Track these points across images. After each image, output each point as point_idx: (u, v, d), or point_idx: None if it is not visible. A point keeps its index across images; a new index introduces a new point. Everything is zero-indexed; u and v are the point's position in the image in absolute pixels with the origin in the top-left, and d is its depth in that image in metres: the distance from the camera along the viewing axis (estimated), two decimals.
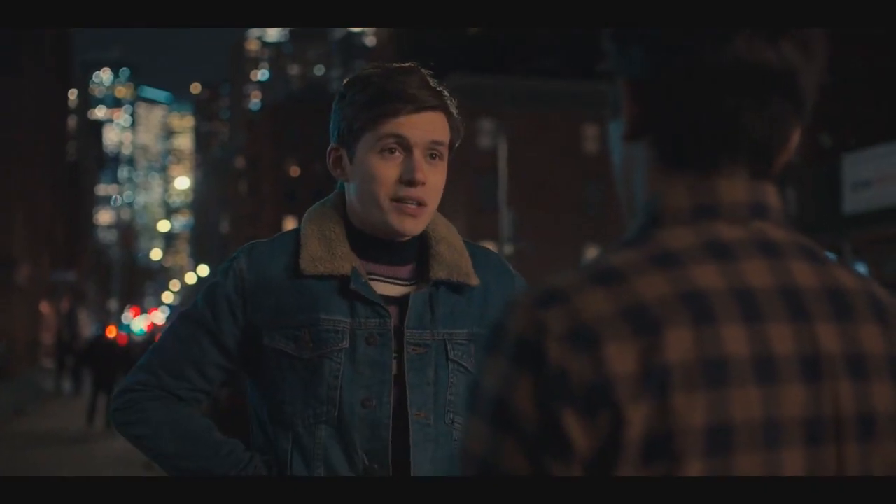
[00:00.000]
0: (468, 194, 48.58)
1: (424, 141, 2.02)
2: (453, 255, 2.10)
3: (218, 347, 2.07)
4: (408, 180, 2.00)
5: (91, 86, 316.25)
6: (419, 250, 2.11)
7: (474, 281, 2.09)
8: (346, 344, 2.00)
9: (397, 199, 2.01)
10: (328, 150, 2.12)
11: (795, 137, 1.09)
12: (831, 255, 1.11)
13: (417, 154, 2.02)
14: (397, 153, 2.02)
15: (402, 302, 2.06)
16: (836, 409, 1.01)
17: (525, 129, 49.54)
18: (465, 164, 48.14)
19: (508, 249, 31.15)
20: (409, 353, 2.02)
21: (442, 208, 2.13)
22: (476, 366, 1.02)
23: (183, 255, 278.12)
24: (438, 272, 2.07)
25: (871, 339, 1.05)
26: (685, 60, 1.04)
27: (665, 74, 1.05)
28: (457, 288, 2.09)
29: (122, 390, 2.10)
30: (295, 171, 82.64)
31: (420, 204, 2.02)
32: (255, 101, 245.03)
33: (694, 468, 0.95)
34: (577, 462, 0.94)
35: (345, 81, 2.11)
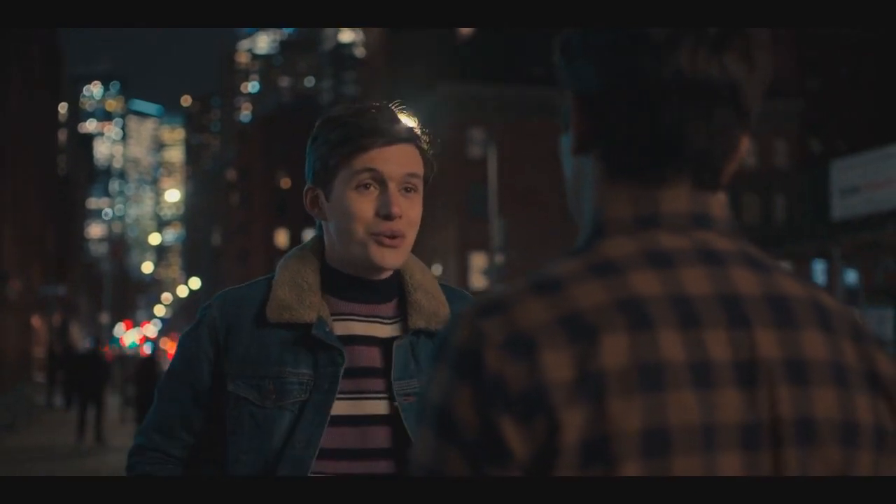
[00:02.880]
0: (459, 204, 48.59)
1: (399, 174, 2.04)
2: (431, 303, 2.11)
3: (200, 402, 2.10)
4: (384, 214, 2.01)
5: (81, 99, 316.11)
6: (399, 300, 2.12)
7: None
8: (306, 396, 2.01)
9: (375, 234, 2.02)
10: (304, 190, 2.13)
11: (742, 146, 1.10)
12: (816, 263, 1.11)
13: (392, 188, 2.03)
14: (372, 188, 2.03)
15: (385, 342, 2.07)
16: (773, 414, 1.01)
17: (515, 137, 49.61)
18: (456, 174, 48.16)
19: (499, 259, 31.15)
20: (403, 404, 2.03)
21: (433, 219, 2.14)
22: (425, 378, 1.04)
23: (174, 268, 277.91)
24: (418, 321, 2.08)
25: (813, 346, 1.05)
26: (627, 74, 1.06)
27: (608, 88, 1.07)
28: (432, 336, 2.09)
29: (128, 454, 2.17)
30: (286, 182, 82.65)
31: (398, 236, 2.03)
32: (245, 113, 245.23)
33: (631, 472, 0.95)
34: (515, 468, 0.95)
35: (317, 123, 2.13)
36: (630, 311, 0.99)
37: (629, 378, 0.97)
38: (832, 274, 22.72)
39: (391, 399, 2.04)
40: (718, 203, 1.09)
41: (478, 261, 47.13)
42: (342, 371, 2.02)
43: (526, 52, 55.28)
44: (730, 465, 0.99)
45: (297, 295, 2.06)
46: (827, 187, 23.41)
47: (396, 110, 2.10)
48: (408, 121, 2.10)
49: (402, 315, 2.11)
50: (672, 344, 0.99)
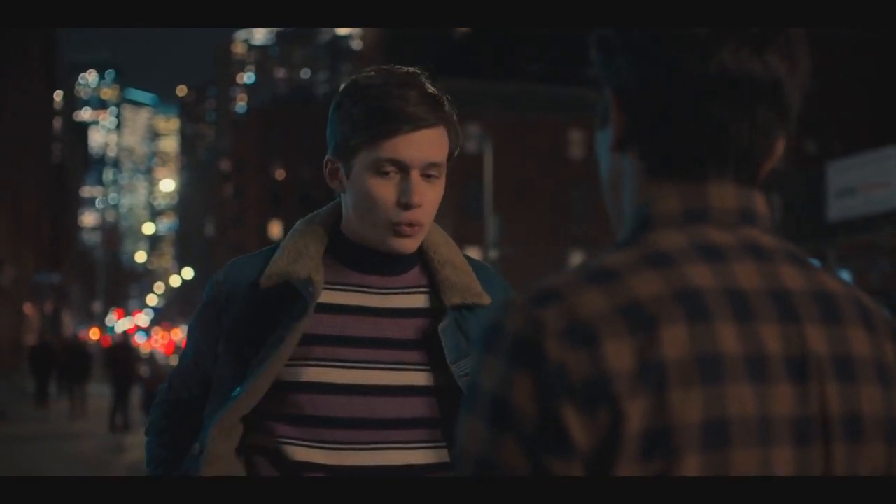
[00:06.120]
0: (454, 200, 48.56)
1: (422, 163, 1.98)
2: (461, 277, 2.08)
3: (206, 361, 2.12)
4: (405, 203, 1.97)
5: (77, 87, 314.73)
6: (421, 269, 2.10)
7: (486, 300, 2.07)
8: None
9: (395, 223, 1.98)
10: (325, 160, 2.07)
11: (781, 145, 1.11)
12: (817, 262, 1.13)
13: (415, 175, 1.98)
14: (392, 174, 1.97)
15: (401, 313, 2.04)
16: (823, 409, 1.03)
17: (511, 133, 49.59)
18: (451, 170, 47.99)
19: (494, 255, 31.15)
20: (463, 383, 1.98)
21: None
22: (473, 366, 1.03)
23: (167, 258, 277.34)
24: (453, 298, 2.04)
25: (858, 342, 1.06)
26: (671, 71, 1.05)
27: (651, 85, 1.07)
28: (471, 308, 2.06)
29: (154, 400, 2.30)
30: (280, 174, 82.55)
31: (416, 225, 2.00)
32: (241, 103, 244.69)
33: (691, 463, 0.96)
34: (577, 459, 0.95)
35: (342, 87, 2.05)
36: (688, 303, 1.00)
37: (689, 369, 0.97)
38: None
39: (402, 370, 2.00)
40: (761, 200, 1.10)
41: (472, 256, 46.97)
42: (299, 323, 1.97)
43: (522, 48, 55.25)
44: (782, 459, 1.00)
45: (293, 260, 2.02)
46: (823, 188, 23.43)
47: (426, 83, 2.00)
48: (437, 94, 2.00)
49: (424, 287, 2.08)
50: (729, 336, 1.00)
